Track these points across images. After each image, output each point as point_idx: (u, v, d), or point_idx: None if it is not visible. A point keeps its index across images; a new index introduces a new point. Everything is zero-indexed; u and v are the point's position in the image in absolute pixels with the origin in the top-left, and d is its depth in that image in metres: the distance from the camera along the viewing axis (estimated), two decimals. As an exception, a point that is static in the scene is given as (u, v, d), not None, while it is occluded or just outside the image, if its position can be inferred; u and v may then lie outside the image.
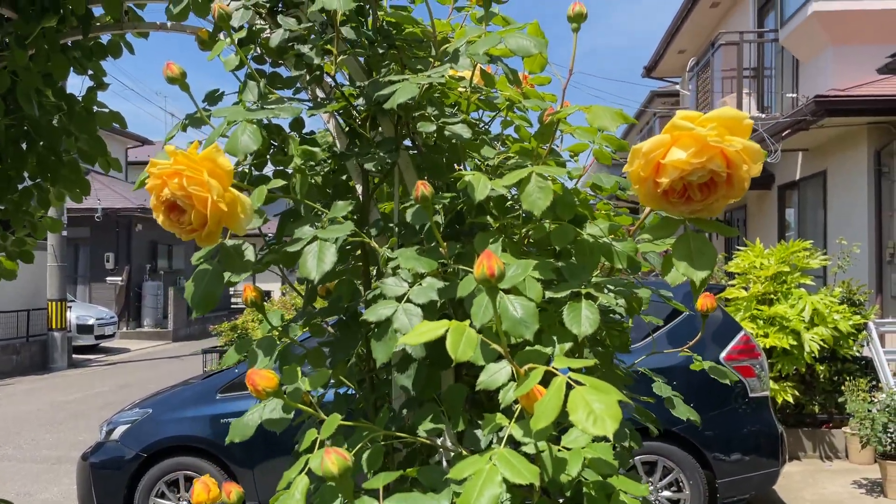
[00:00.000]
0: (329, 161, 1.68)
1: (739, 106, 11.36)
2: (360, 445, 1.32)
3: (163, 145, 1.34)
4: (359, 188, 1.62)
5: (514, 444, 1.17)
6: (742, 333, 5.45)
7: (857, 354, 7.22)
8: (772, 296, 7.23)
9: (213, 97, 1.59)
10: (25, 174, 2.77)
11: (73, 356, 16.65)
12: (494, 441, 1.31)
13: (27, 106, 2.31)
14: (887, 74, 8.98)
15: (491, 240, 1.36)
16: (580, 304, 1.26)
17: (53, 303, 16.04)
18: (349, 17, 1.57)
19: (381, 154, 1.48)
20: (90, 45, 2.61)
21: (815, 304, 6.97)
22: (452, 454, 1.39)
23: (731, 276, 7.87)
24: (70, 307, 17.11)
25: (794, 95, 11.04)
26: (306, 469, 1.27)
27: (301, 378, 1.36)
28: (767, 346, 6.78)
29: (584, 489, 1.27)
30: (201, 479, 1.43)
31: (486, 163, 1.65)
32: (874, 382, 7.07)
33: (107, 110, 2.82)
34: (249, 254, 1.35)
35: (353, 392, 1.64)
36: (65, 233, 16.13)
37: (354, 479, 1.22)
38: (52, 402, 11.49)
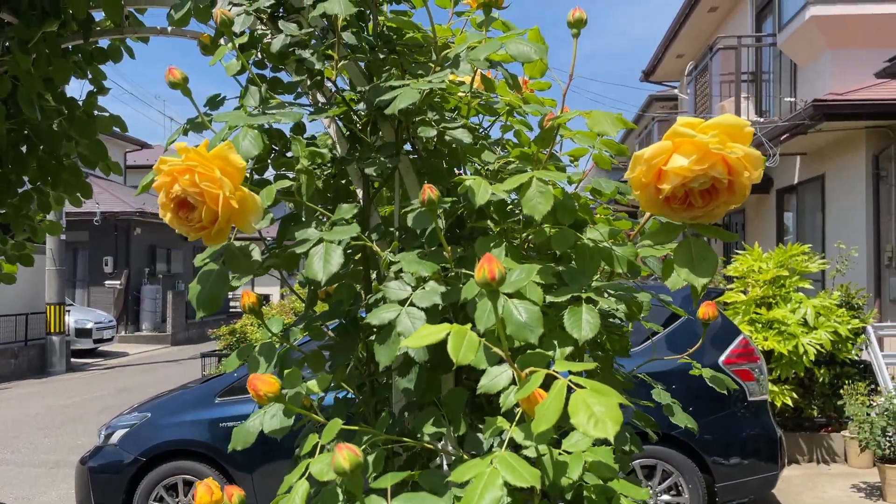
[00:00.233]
0: (330, 165, 1.69)
1: (738, 110, 11.38)
2: (360, 449, 1.32)
3: (164, 149, 1.35)
4: (359, 192, 1.63)
5: (514, 447, 1.18)
6: (741, 337, 5.46)
7: (856, 358, 7.22)
8: (770, 299, 7.24)
9: (215, 102, 1.59)
10: (26, 178, 2.78)
11: (72, 360, 16.63)
12: (495, 444, 1.31)
13: (29, 110, 2.32)
14: (885, 78, 9.00)
15: (492, 244, 1.37)
16: (581, 309, 1.27)
17: (52, 306, 16.02)
18: (350, 23, 1.58)
19: (382, 159, 1.48)
20: (90, 50, 2.62)
21: (814, 307, 6.98)
22: (453, 458, 1.39)
23: (729, 279, 7.88)
24: (68, 311, 17.09)
25: (793, 100, 11.06)
26: (307, 473, 1.27)
27: (302, 383, 1.36)
28: (766, 350, 6.79)
29: (585, 493, 1.27)
30: (204, 482, 1.43)
31: (486, 167, 1.65)
32: (873, 386, 7.07)
33: (107, 114, 2.82)
34: (256, 254, 1.35)
35: (353, 396, 1.64)
36: (63, 236, 16.12)
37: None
38: (50, 406, 11.47)
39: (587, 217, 1.49)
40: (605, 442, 1.31)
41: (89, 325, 17.91)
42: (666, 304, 1.67)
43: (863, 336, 7.18)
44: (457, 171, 1.67)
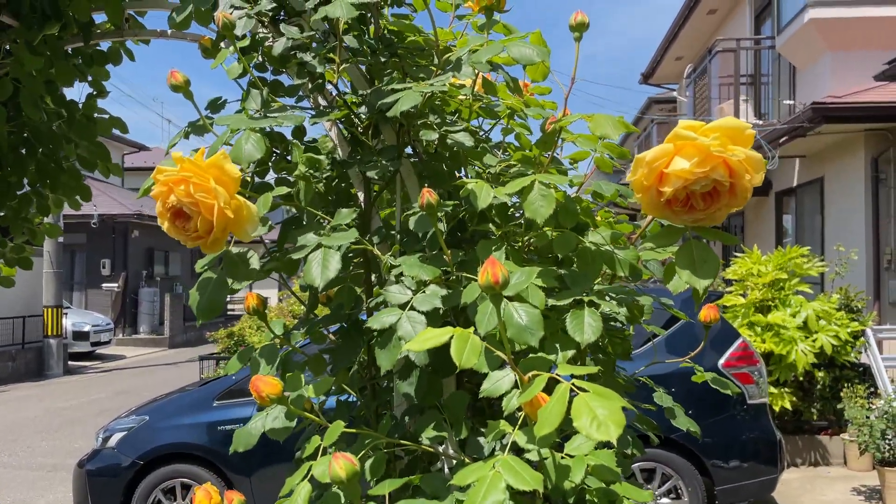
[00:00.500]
0: (330, 169, 1.68)
1: (736, 113, 11.39)
2: (362, 453, 1.32)
3: (165, 153, 1.34)
4: (360, 196, 1.63)
5: (516, 451, 1.17)
6: (740, 340, 5.46)
7: (856, 361, 7.22)
8: (769, 302, 7.24)
9: (216, 105, 1.59)
10: (25, 180, 2.77)
11: (69, 363, 16.61)
12: (497, 448, 1.31)
13: (33, 111, 2.31)
14: (884, 81, 9.02)
15: (493, 247, 1.36)
16: (583, 312, 1.26)
17: (49, 309, 16.00)
18: (351, 26, 1.58)
19: (384, 162, 1.48)
20: (90, 52, 2.61)
21: (813, 310, 6.98)
22: (454, 461, 1.39)
23: (728, 282, 7.88)
24: (66, 314, 17.07)
25: (792, 102, 11.08)
26: (309, 475, 1.27)
27: (304, 385, 1.36)
28: (765, 353, 6.79)
29: (587, 496, 1.27)
30: (203, 486, 1.43)
31: (487, 171, 1.65)
32: (872, 389, 7.07)
33: (107, 116, 2.82)
34: (254, 261, 1.35)
35: (355, 399, 1.64)
36: (61, 239, 16.09)
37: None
38: (47, 409, 11.45)
39: (589, 220, 1.48)
40: (607, 445, 1.31)
41: (87, 328, 17.88)
42: (667, 307, 1.67)
43: (862, 339, 7.18)
44: (457, 174, 1.67)
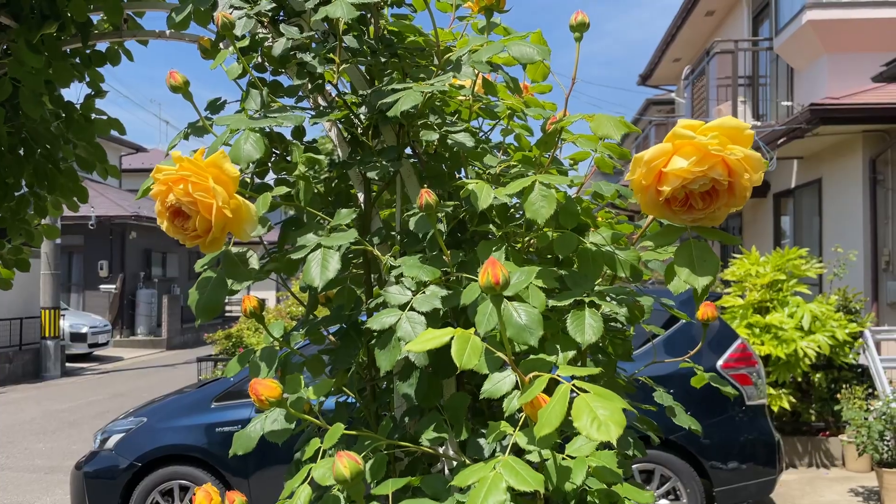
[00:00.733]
0: (329, 170, 1.68)
1: (734, 114, 11.39)
2: (363, 454, 1.31)
3: (165, 154, 1.34)
4: (360, 196, 1.62)
5: (517, 452, 1.17)
6: (739, 341, 5.46)
7: (854, 362, 7.22)
8: (768, 304, 7.24)
9: (215, 106, 1.59)
10: (23, 182, 2.77)
11: (67, 365, 16.57)
12: (498, 449, 1.31)
13: (33, 109, 2.30)
14: (882, 82, 9.04)
15: (493, 248, 1.36)
16: (584, 313, 1.26)
17: (47, 311, 15.97)
18: (351, 26, 1.57)
19: (384, 162, 1.48)
20: (89, 53, 2.61)
21: (811, 311, 6.98)
22: (455, 463, 1.38)
23: (726, 283, 7.89)
24: (63, 315, 17.03)
25: (790, 103, 11.09)
26: (309, 478, 1.26)
27: (304, 387, 1.35)
28: (763, 354, 6.79)
29: (589, 497, 1.27)
30: (203, 487, 1.42)
31: (487, 171, 1.65)
32: (870, 390, 7.07)
33: (105, 117, 2.82)
34: (253, 261, 1.35)
35: (353, 401, 1.63)
36: (58, 240, 16.07)
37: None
38: (45, 411, 11.43)
39: (589, 221, 1.48)
40: (608, 446, 1.30)
41: (84, 330, 17.85)
42: (668, 307, 1.67)
43: (860, 340, 7.19)
44: (457, 176, 1.67)
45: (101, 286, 21.26)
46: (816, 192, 10.39)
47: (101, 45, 2.62)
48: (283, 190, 1.43)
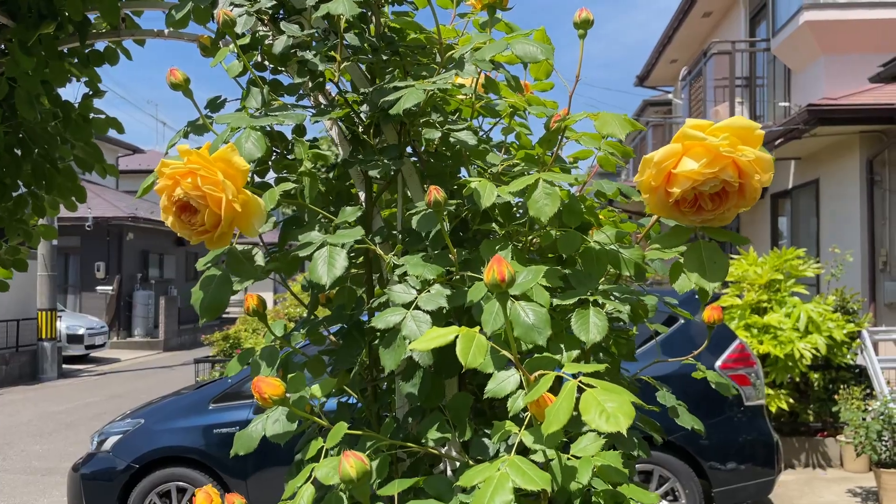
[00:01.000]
0: (328, 170, 1.67)
1: (732, 115, 11.39)
2: (365, 455, 1.30)
3: (165, 152, 1.33)
4: (361, 195, 1.61)
5: (522, 451, 1.16)
6: (737, 342, 5.45)
7: (852, 363, 7.23)
8: (766, 304, 7.24)
9: (215, 104, 1.57)
10: (20, 182, 2.75)
11: (64, 366, 16.52)
12: (502, 449, 1.30)
13: (28, 111, 2.29)
14: (879, 83, 9.04)
15: (497, 246, 1.35)
16: (588, 312, 1.25)
17: (43, 312, 15.92)
18: (352, 24, 1.56)
19: (386, 161, 1.47)
20: (87, 53, 2.59)
21: (809, 312, 6.98)
22: (458, 463, 1.37)
23: (724, 284, 7.89)
24: (60, 317, 16.98)
25: (787, 104, 11.10)
26: (311, 478, 1.25)
27: (306, 387, 1.34)
28: (761, 354, 6.79)
29: (594, 497, 1.26)
30: (203, 489, 1.41)
31: (489, 170, 1.64)
32: (868, 391, 7.08)
33: (103, 116, 2.80)
34: (259, 258, 1.33)
35: (355, 401, 1.62)
36: (55, 242, 16.03)
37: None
38: (42, 412, 11.39)
39: (593, 220, 1.47)
40: (613, 447, 1.30)
41: (81, 331, 17.80)
42: (672, 307, 1.66)
43: (858, 340, 7.19)
44: (458, 174, 1.66)
45: (98, 287, 21.20)
46: (814, 193, 10.39)
47: (100, 45, 2.61)
48: (289, 185, 1.41)
